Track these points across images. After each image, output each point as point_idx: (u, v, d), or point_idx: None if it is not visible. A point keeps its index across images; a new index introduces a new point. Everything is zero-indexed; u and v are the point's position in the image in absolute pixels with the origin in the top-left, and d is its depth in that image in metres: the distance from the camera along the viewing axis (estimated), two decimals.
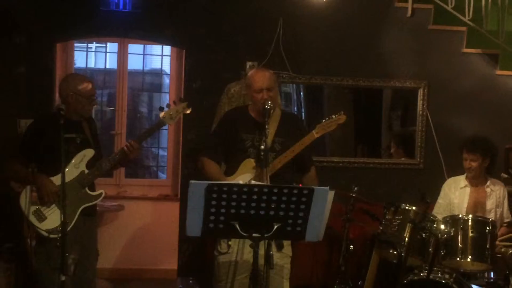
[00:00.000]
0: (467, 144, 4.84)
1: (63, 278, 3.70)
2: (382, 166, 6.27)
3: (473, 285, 4.41)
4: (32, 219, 4.07)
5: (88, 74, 6.90)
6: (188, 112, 4.35)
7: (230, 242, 4.11)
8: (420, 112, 6.19)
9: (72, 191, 4.08)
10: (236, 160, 4.20)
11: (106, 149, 5.09)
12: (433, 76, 6.18)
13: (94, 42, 7.25)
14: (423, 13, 6.18)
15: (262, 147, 3.93)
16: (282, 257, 4.15)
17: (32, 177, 4.07)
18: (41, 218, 4.08)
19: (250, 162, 4.13)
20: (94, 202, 4.27)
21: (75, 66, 6.80)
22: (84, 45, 7.11)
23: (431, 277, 4.20)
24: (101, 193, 4.30)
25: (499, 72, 6.23)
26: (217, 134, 4.51)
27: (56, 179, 3.95)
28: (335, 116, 4.18)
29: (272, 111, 4.08)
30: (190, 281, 5.35)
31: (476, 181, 4.90)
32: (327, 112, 5.34)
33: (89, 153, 4.23)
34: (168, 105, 4.38)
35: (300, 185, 3.79)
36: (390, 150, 6.53)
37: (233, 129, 4.24)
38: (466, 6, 6.04)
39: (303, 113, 6.33)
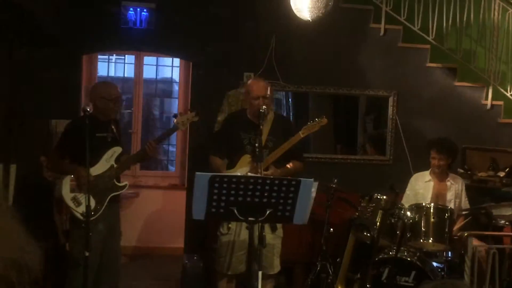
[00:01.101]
0: (436, 146, 4.85)
1: (87, 253, 3.72)
2: (357, 162, 6.29)
3: (433, 263, 4.44)
4: (70, 204, 4.09)
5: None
6: (196, 120, 4.37)
7: (230, 225, 4.13)
8: (390, 117, 6.20)
9: (103, 182, 4.10)
10: (235, 155, 4.22)
11: (125, 145, 5.09)
12: (402, 86, 6.20)
13: (114, 55, 7.24)
14: (394, 33, 6.19)
15: (257, 144, 3.94)
16: (275, 238, 4.18)
17: (72, 169, 4.09)
18: (78, 203, 4.09)
19: (247, 157, 4.15)
20: (120, 192, 4.28)
21: (98, 74, 6.79)
22: (106, 57, 7.10)
23: (398, 255, 4.22)
24: (126, 184, 4.32)
25: (457, 83, 6.25)
26: (220, 134, 4.56)
27: (92, 171, 3.94)
28: (318, 120, 4.19)
29: (266, 114, 4.09)
30: (194, 258, 5.35)
31: (439, 176, 4.93)
32: (312, 116, 5.37)
33: (118, 150, 4.24)
34: (180, 113, 4.41)
35: (289, 177, 3.79)
36: (364, 148, 6.55)
37: (234, 129, 4.26)
38: (430, 27, 6.08)
39: (291, 116, 6.34)
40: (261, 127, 4.01)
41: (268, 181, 3.22)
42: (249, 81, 4.45)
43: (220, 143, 4.39)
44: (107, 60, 7.16)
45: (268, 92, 4.19)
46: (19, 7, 3.58)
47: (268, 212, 3.22)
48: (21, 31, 3.80)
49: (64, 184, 4.10)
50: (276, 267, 4.25)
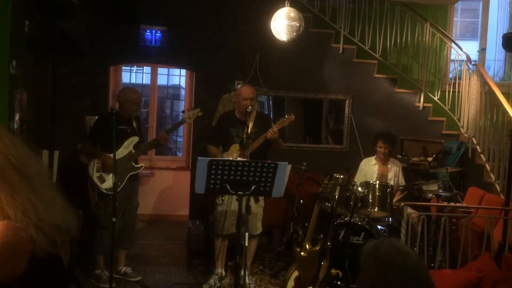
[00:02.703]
0: (383, 137, 4.90)
1: (113, 219, 3.71)
2: (322, 150, 6.32)
3: (378, 226, 4.48)
4: (96, 181, 4.07)
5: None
6: (200, 114, 4.36)
7: (223, 198, 4.13)
8: (347, 115, 6.23)
9: (123, 164, 4.08)
10: (226, 145, 4.22)
11: (144, 137, 5.07)
12: (355, 92, 6.22)
13: (135, 66, 7.18)
14: (350, 51, 6.21)
15: (245, 136, 3.94)
16: (258, 207, 4.20)
17: (98, 154, 4.06)
18: (103, 180, 4.07)
19: (235, 146, 4.16)
20: (137, 171, 4.27)
21: (122, 81, 6.73)
22: (128, 68, 7.04)
23: (352, 220, 4.25)
24: (142, 166, 4.31)
25: (397, 90, 6.30)
26: (215, 129, 4.56)
27: (113, 156, 3.92)
28: (287, 116, 4.20)
29: (251, 112, 4.10)
30: (197, 222, 5.37)
31: (383, 160, 4.97)
32: (286, 114, 5.39)
33: (135, 139, 4.23)
34: (187, 109, 4.40)
35: (269, 160, 3.81)
36: (327, 139, 6.58)
37: (225, 125, 4.27)
38: (377, 47, 6.11)
39: (271, 114, 6.34)
40: (247, 123, 4.03)
41: (253, 164, 3.23)
42: (240, 86, 4.45)
43: (215, 136, 4.39)
44: (129, 70, 7.10)
45: (254, 95, 4.21)
46: (62, 30, 3.56)
47: (253, 187, 3.24)
48: (62, 48, 3.79)
49: (92, 166, 4.09)
50: (259, 229, 4.28)
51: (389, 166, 4.98)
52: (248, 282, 4.10)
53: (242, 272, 3.53)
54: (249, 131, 4.06)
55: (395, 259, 1.53)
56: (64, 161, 4.48)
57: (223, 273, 4.32)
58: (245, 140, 3.91)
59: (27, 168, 1.37)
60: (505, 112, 5.21)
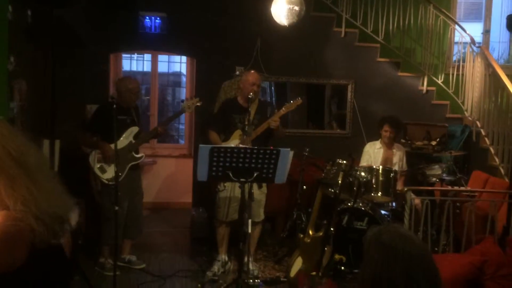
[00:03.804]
0: (389, 121, 4.89)
1: (116, 208, 3.72)
2: (324, 135, 6.30)
3: (382, 211, 4.49)
4: (97, 171, 4.07)
5: (131, 75, 6.82)
6: (199, 104, 4.35)
7: (225, 184, 4.15)
8: (349, 100, 6.19)
9: (123, 154, 4.07)
10: (229, 131, 4.21)
11: (145, 125, 5.05)
12: (358, 76, 6.18)
13: (136, 53, 7.15)
14: (352, 35, 6.15)
15: (247, 122, 3.93)
16: (260, 194, 4.20)
17: (99, 144, 4.05)
18: (103, 171, 4.07)
19: (238, 132, 4.14)
20: (138, 161, 4.26)
21: (122, 69, 6.70)
22: (129, 55, 7.01)
23: (355, 206, 4.26)
24: (142, 156, 4.29)
25: (400, 74, 6.24)
26: (217, 115, 4.53)
27: (114, 146, 3.92)
28: (294, 100, 4.19)
29: (253, 99, 4.09)
30: (200, 210, 5.38)
31: (388, 145, 4.95)
32: (289, 100, 5.34)
33: (135, 129, 4.22)
34: (187, 99, 4.38)
35: (271, 147, 3.79)
36: (330, 124, 6.55)
37: (227, 111, 4.25)
38: (380, 30, 6.04)
39: (274, 101, 6.31)
40: (249, 109, 4.01)
41: (255, 151, 3.23)
42: (246, 72, 4.45)
43: (217, 121, 4.38)
44: (129, 58, 7.08)
45: (259, 82, 4.22)
46: (60, 19, 3.54)
47: (255, 174, 3.24)
48: (61, 37, 3.76)
49: (92, 156, 4.08)
50: (261, 216, 4.29)
51: (394, 150, 4.96)
52: (252, 268, 4.13)
53: (246, 259, 3.55)
54: (251, 117, 4.04)
55: (398, 244, 1.53)
56: (66, 150, 4.48)
57: (226, 259, 4.35)
58: (247, 126, 3.90)
59: (26, 159, 1.36)
60: (509, 95, 5.16)
